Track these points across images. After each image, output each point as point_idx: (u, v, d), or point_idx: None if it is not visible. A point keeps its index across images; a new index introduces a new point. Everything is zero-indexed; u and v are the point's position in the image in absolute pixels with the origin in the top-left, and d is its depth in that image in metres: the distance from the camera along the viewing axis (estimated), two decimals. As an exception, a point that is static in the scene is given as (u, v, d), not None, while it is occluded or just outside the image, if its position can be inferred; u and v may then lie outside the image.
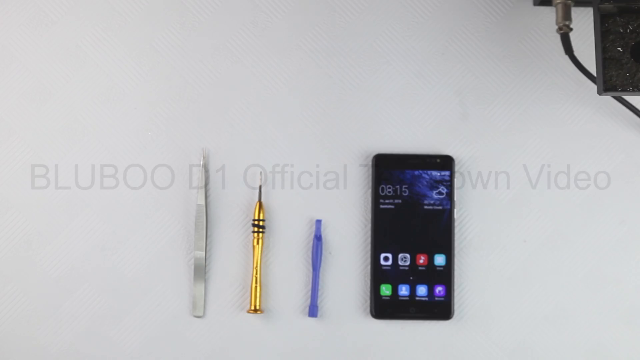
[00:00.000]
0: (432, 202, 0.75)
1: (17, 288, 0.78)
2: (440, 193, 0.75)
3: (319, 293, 0.78)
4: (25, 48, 0.80)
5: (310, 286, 0.78)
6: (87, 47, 0.80)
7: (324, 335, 0.77)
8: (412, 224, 0.75)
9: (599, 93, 0.70)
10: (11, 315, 0.78)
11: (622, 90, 0.69)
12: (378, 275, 0.75)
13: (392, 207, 0.75)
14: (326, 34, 0.81)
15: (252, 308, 0.77)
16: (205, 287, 0.78)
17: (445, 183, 0.75)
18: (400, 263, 0.75)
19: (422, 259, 0.75)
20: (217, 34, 0.81)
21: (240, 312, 0.78)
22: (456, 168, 0.78)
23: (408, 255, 0.75)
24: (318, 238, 0.78)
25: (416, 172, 0.75)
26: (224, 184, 0.79)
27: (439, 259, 0.75)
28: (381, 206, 0.75)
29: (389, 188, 0.75)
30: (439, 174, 0.76)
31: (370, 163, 0.77)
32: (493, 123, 0.80)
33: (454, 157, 0.77)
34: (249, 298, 0.77)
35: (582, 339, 0.77)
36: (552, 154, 0.79)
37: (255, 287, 0.77)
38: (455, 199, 0.76)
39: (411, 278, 0.75)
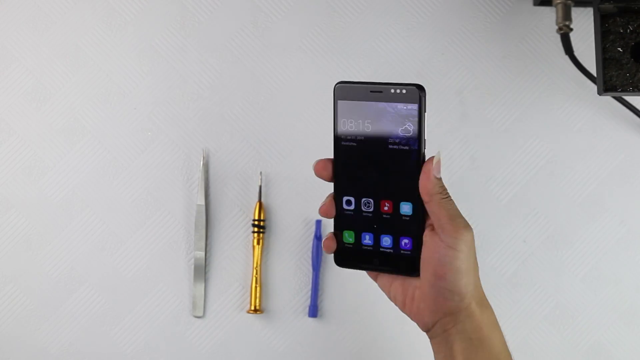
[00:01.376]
0: (397, 140, 0.63)
1: (17, 288, 0.78)
2: (406, 131, 0.63)
3: (319, 293, 0.78)
4: (25, 48, 0.80)
5: (310, 286, 0.78)
6: (87, 47, 0.80)
7: (324, 335, 0.77)
8: (375, 165, 0.63)
9: (599, 93, 0.70)
10: (11, 315, 0.78)
11: (622, 91, 0.69)
12: (341, 219, 0.65)
13: (355, 144, 0.64)
14: (326, 34, 0.81)
15: (252, 308, 0.77)
16: (205, 287, 0.78)
17: (411, 119, 0.62)
18: (363, 208, 0.64)
19: (386, 206, 0.64)
20: (217, 34, 0.81)
21: (240, 312, 0.78)
22: (427, 105, 0.65)
23: (371, 201, 0.64)
24: (318, 238, 0.78)
25: (380, 105, 0.63)
26: (224, 184, 0.79)
27: (405, 207, 0.63)
28: (343, 142, 0.64)
29: (351, 123, 0.64)
30: (405, 107, 0.62)
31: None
32: (493, 123, 0.80)
33: (426, 89, 0.63)
34: (249, 298, 0.77)
35: (582, 339, 0.77)
36: (552, 154, 0.79)
37: (255, 287, 0.77)
38: (425, 137, 0.63)
39: (375, 226, 0.64)
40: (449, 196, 0.61)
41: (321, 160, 0.64)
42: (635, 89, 0.69)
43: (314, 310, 0.77)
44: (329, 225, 0.78)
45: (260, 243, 0.77)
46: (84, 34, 0.81)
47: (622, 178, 0.79)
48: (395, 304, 0.64)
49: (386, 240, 0.65)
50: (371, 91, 0.63)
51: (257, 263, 0.77)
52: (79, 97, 0.80)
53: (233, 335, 0.78)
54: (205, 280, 0.78)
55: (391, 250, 0.64)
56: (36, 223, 0.79)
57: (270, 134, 0.80)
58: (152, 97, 0.80)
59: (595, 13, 0.70)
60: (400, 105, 0.62)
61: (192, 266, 0.78)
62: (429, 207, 0.61)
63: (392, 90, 0.62)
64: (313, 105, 0.80)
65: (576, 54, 0.73)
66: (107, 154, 0.79)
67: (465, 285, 0.59)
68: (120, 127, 0.80)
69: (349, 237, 0.65)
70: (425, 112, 0.62)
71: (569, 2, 0.72)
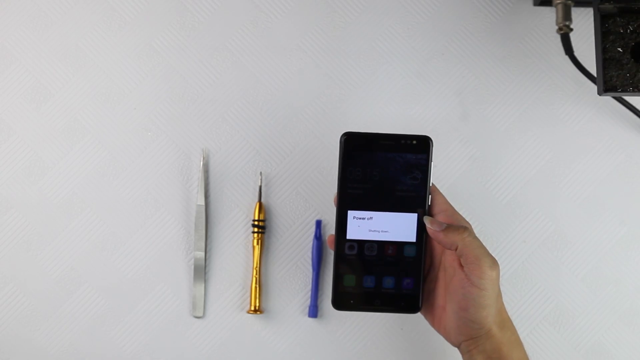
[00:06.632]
0: (404, 187, 0.67)
1: (17, 288, 0.78)
2: (414, 178, 0.67)
3: (319, 293, 0.78)
4: (25, 48, 0.80)
5: (310, 286, 0.78)
6: (87, 47, 0.80)
7: (324, 335, 0.77)
8: (380, 210, 0.68)
9: (599, 93, 0.70)
10: (11, 315, 0.78)
11: (622, 91, 0.69)
12: (342, 263, 0.68)
13: (361, 191, 0.68)
14: (326, 34, 0.81)
15: (252, 308, 0.77)
16: (205, 287, 0.78)
17: (420, 167, 0.67)
18: (366, 252, 0.68)
19: (390, 249, 0.68)
20: (217, 34, 0.81)
21: (240, 313, 0.78)
22: (435, 151, 0.73)
23: (375, 245, 0.68)
24: (318, 238, 0.78)
25: (389, 155, 0.67)
26: (224, 184, 0.79)
27: (409, 250, 0.68)
28: (349, 190, 0.68)
29: (358, 171, 0.68)
30: (414, 157, 0.67)
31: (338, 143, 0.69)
32: (493, 123, 0.80)
33: (433, 139, 0.69)
34: (249, 298, 0.77)
35: (582, 339, 0.77)
36: (552, 154, 0.79)
37: (255, 287, 0.77)
38: (430, 185, 0.67)
39: (377, 269, 0.68)
40: (470, 232, 0.65)
41: (332, 235, 0.68)
42: (635, 89, 0.69)
43: (314, 311, 0.77)
44: (328, 226, 0.78)
45: (260, 243, 0.77)
46: (84, 34, 0.81)
47: (622, 178, 0.79)
48: (427, 321, 0.69)
49: (388, 282, 0.68)
50: (381, 141, 0.67)
51: (257, 263, 0.77)
52: (79, 97, 0.80)
53: (233, 335, 0.78)
54: (205, 281, 0.78)
55: (393, 291, 0.68)
56: (36, 223, 0.79)
57: (270, 134, 0.80)
58: (152, 97, 0.80)
59: (595, 13, 0.70)
60: (409, 155, 0.67)
61: (192, 266, 0.78)
62: (458, 251, 0.65)
63: (403, 141, 0.67)
64: (313, 105, 0.80)
65: (576, 54, 0.73)
66: (107, 154, 0.79)
67: (485, 316, 0.64)
68: (120, 127, 0.80)
69: (349, 280, 0.68)
70: (432, 161, 0.67)
71: (569, 2, 0.72)
